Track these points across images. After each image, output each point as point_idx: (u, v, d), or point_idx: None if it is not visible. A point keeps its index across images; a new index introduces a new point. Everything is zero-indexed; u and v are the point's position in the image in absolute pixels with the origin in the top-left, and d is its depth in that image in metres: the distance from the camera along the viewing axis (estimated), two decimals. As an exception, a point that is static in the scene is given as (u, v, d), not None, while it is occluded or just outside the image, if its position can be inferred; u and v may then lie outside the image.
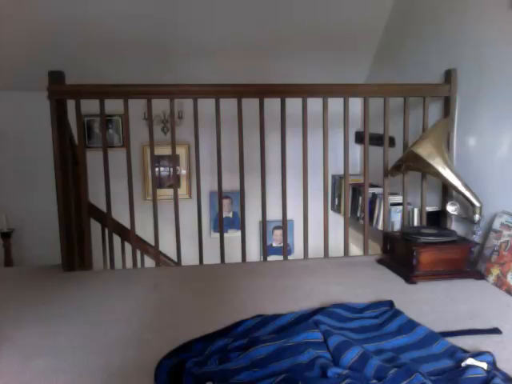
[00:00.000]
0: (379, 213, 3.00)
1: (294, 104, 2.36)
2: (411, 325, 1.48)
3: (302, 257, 2.49)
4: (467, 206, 2.22)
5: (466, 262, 2.04)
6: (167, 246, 2.89)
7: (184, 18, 3.00)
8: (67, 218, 2.28)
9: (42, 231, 3.65)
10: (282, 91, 2.37)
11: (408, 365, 1.20)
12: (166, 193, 3.72)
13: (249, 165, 2.50)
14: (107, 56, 3.21)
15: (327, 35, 3.21)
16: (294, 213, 3.02)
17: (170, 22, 3.03)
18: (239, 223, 2.58)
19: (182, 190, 3.95)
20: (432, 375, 1.20)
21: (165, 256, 3.36)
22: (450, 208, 2.21)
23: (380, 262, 2.30)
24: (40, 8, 2.80)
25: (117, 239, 2.62)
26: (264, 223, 2.46)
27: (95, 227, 3.03)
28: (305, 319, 1.51)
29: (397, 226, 2.81)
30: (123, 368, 1.31)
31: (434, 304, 1.76)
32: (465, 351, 1.34)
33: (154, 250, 2.57)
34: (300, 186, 2.44)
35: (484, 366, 1.19)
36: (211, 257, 2.45)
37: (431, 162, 2.12)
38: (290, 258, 2.68)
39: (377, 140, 2.96)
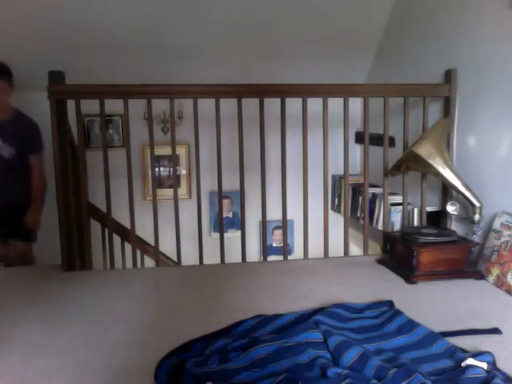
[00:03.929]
0: (379, 213, 3.00)
1: (293, 104, 2.36)
2: (411, 325, 1.48)
3: (302, 257, 2.49)
4: (467, 206, 2.22)
5: (465, 261, 2.04)
6: (167, 246, 2.88)
7: (184, 18, 3.00)
8: (67, 218, 2.28)
9: (42, 231, 3.65)
10: (282, 91, 2.37)
11: (408, 365, 1.20)
12: (166, 193, 3.72)
13: (249, 164, 2.50)
14: (107, 57, 3.21)
15: (327, 35, 3.21)
16: (294, 213, 3.02)
17: (170, 23, 3.02)
18: (239, 223, 2.58)
19: (182, 190, 3.95)
20: (432, 375, 1.20)
21: (165, 256, 3.35)
22: (450, 208, 2.21)
23: (380, 261, 2.29)
24: (40, 9, 2.80)
25: (117, 239, 2.62)
26: (264, 223, 2.46)
27: (95, 227, 3.03)
28: (305, 319, 1.51)
29: (397, 226, 2.81)
30: (124, 367, 1.31)
31: (434, 304, 1.76)
32: (465, 351, 1.34)
33: (153, 250, 2.57)
34: (300, 186, 2.44)
35: (484, 366, 1.20)
36: (211, 257, 2.45)
37: (431, 161, 2.12)
38: (289, 257, 2.68)
39: (377, 140, 2.95)
